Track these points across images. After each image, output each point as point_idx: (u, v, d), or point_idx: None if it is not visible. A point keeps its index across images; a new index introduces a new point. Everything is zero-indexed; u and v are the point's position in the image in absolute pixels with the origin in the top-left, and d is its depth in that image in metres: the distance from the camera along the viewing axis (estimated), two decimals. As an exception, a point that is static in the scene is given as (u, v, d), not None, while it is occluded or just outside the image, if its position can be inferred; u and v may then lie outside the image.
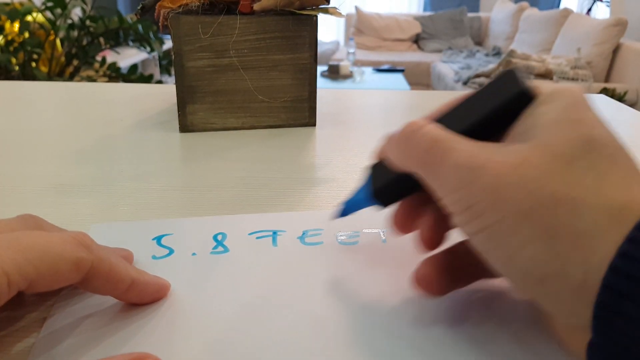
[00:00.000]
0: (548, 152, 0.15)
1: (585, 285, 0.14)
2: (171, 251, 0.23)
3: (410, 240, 0.21)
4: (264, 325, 0.18)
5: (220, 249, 0.23)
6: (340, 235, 0.24)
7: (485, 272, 0.18)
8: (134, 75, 1.31)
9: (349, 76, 2.52)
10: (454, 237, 0.19)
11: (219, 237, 0.24)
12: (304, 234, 0.25)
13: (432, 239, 0.19)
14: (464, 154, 0.16)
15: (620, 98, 2.12)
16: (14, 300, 0.17)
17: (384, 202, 0.20)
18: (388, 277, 0.21)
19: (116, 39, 1.32)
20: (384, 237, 0.24)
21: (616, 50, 2.40)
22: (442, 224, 0.19)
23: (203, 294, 0.20)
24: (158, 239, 0.24)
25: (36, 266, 0.15)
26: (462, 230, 0.16)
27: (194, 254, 0.23)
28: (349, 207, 0.22)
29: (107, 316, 0.19)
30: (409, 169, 0.18)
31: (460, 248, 0.19)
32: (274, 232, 0.25)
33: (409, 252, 0.22)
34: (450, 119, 0.18)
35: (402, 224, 0.20)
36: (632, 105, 2.05)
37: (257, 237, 0.24)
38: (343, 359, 0.17)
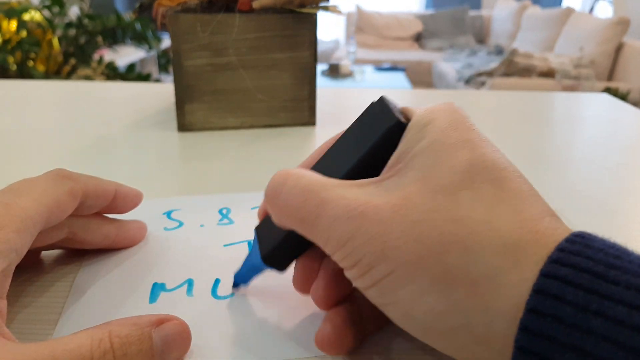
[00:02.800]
0: (428, 186, 0.14)
1: (492, 337, 0.13)
2: (181, 223, 0.25)
3: None
4: (267, 280, 0.20)
5: (225, 221, 0.25)
6: None
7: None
8: (132, 74, 1.31)
9: (349, 75, 2.51)
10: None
11: (224, 212, 0.26)
12: None
13: (329, 298, 0.17)
14: (340, 203, 0.14)
15: (623, 97, 2.11)
16: (38, 267, 0.21)
17: (278, 267, 0.18)
18: None
19: (114, 38, 1.31)
20: None
21: (619, 49, 2.39)
22: (341, 279, 0.16)
23: (213, 257, 0.22)
24: (168, 214, 0.26)
25: (45, 204, 0.18)
26: (356, 285, 0.15)
27: (202, 225, 0.25)
28: (241, 278, 0.20)
29: (131, 276, 0.21)
30: (289, 227, 0.16)
31: (361, 297, 0.17)
32: None
33: None
34: (325, 164, 0.17)
35: (303, 284, 0.18)
36: (635, 104, 2.04)
37: None
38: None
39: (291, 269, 0.18)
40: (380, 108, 0.16)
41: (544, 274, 0.12)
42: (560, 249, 0.13)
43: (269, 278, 0.21)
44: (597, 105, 0.54)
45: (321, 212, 0.15)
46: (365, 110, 0.17)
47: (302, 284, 0.18)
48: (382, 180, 0.15)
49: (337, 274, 0.17)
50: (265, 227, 0.18)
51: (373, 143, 0.16)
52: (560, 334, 0.11)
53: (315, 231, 0.15)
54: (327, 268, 0.17)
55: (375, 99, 0.17)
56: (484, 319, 0.13)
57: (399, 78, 2.65)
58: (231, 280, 0.20)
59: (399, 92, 0.59)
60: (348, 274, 0.15)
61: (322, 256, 0.17)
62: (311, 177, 0.16)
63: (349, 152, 0.16)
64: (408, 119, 0.16)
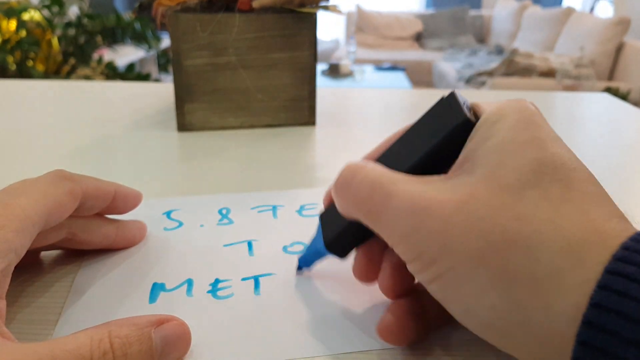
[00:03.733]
0: (494, 184, 0.14)
1: (552, 335, 0.13)
2: (180, 223, 0.25)
3: None
4: (267, 280, 0.21)
5: (225, 221, 0.25)
6: None
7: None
8: (132, 73, 1.31)
9: (349, 75, 2.51)
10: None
11: (224, 212, 0.26)
12: (301, 207, 0.27)
13: (395, 288, 0.17)
14: (406, 197, 0.15)
15: (623, 97, 2.11)
16: (37, 267, 0.21)
17: (339, 254, 0.19)
18: None
19: (113, 37, 1.31)
20: None
21: (619, 48, 2.39)
22: (404, 270, 0.17)
23: (212, 257, 0.22)
24: (168, 214, 0.26)
25: (45, 205, 0.18)
26: (418, 279, 0.15)
27: (201, 225, 0.25)
28: (304, 262, 0.21)
29: (131, 276, 0.21)
30: (354, 217, 0.16)
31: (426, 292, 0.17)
32: (274, 207, 0.27)
33: None
34: (391, 156, 0.17)
35: (364, 274, 0.18)
36: (636, 104, 2.04)
37: (259, 211, 0.26)
38: (332, 314, 0.19)
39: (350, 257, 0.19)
40: (449, 103, 0.16)
41: (609, 271, 0.12)
42: (625, 247, 0.12)
43: (273, 281, 0.21)
44: (597, 105, 0.54)
45: (387, 205, 0.15)
46: (435, 104, 0.17)
47: (361, 272, 0.18)
48: (449, 177, 0.15)
49: (402, 265, 0.17)
50: (329, 215, 0.19)
51: (439, 139, 0.16)
52: (624, 329, 0.11)
53: (379, 223, 0.15)
54: (392, 258, 0.17)
55: (446, 93, 0.17)
56: (545, 318, 0.13)
57: (399, 78, 2.65)
58: (289, 274, 0.21)
59: (399, 91, 0.59)
60: (410, 267, 0.15)
61: (383, 246, 0.18)
62: (379, 171, 0.16)
63: (415, 146, 0.16)
64: (477, 116, 0.16)
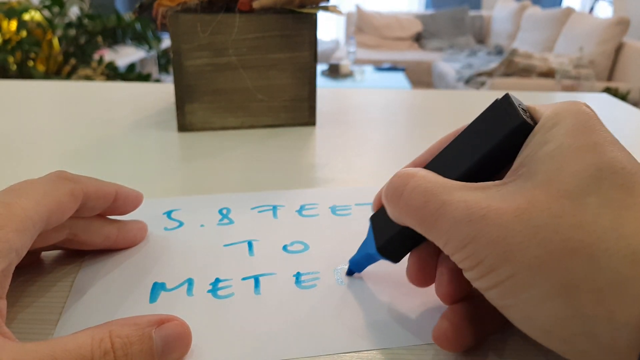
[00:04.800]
0: (553, 190, 0.14)
1: (615, 345, 0.12)
2: (181, 223, 0.25)
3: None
4: (267, 280, 0.21)
5: (225, 221, 0.26)
6: (335, 208, 0.27)
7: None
8: (132, 74, 1.31)
9: (349, 75, 2.51)
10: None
11: (224, 212, 0.26)
12: (301, 207, 0.27)
13: (453, 294, 0.17)
14: (461, 207, 0.14)
15: (623, 97, 2.11)
16: (38, 267, 0.21)
17: (392, 258, 0.19)
18: None
19: (114, 38, 1.31)
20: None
21: (619, 49, 2.39)
22: (461, 276, 0.17)
23: (213, 257, 0.22)
24: (168, 213, 0.26)
25: (45, 205, 0.18)
26: (475, 286, 0.15)
27: (202, 225, 0.25)
28: (355, 266, 0.21)
29: (131, 276, 0.21)
30: (407, 225, 0.16)
31: (481, 297, 0.17)
32: (274, 207, 0.27)
33: None
34: (442, 162, 0.17)
35: (420, 279, 0.18)
36: (635, 104, 2.05)
37: (259, 211, 0.27)
38: (333, 314, 0.19)
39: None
40: (504, 106, 0.16)
41: None
42: None
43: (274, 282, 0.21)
44: (596, 105, 0.54)
45: (441, 215, 0.15)
46: (488, 107, 0.16)
47: (415, 276, 0.18)
48: (505, 183, 0.15)
49: (458, 271, 0.17)
50: (380, 218, 0.19)
51: (495, 143, 0.15)
52: None
53: (434, 232, 0.15)
54: (447, 264, 0.17)
55: (500, 96, 0.16)
56: (608, 327, 0.12)
57: (399, 78, 2.65)
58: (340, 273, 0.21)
59: (398, 92, 0.59)
60: (468, 274, 0.15)
61: (438, 250, 0.18)
62: (432, 179, 0.16)
63: (468, 151, 0.16)
64: (533, 119, 0.16)
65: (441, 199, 0.15)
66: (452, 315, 0.17)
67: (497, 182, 0.15)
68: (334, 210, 0.27)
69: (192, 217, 0.26)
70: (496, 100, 0.16)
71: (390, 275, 0.21)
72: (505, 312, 0.15)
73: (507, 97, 0.16)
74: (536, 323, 0.14)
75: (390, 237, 0.18)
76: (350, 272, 0.21)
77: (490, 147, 0.16)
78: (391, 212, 0.17)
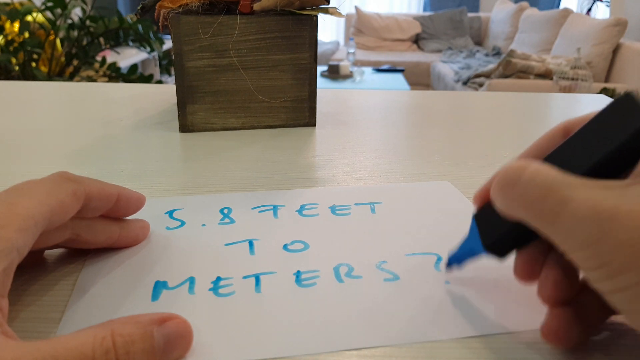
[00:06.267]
0: None
1: None
2: (183, 223, 0.25)
3: (397, 213, 0.24)
4: (266, 279, 0.21)
5: (226, 220, 0.26)
6: (335, 208, 0.27)
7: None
8: (134, 75, 1.31)
9: (348, 76, 2.52)
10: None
11: (225, 211, 0.27)
12: (301, 207, 0.27)
13: (557, 297, 0.17)
14: (585, 204, 0.14)
15: (620, 98, 2.11)
16: (40, 266, 0.21)
17: (500, 255, 0.18)
18: (376, 242, 0.24)
19: (116, 39, 1.31)
20: (373, 209, 0.27)
21: (616, 50, 2.40)
22: (570, 278, 0.16)
23: (214, 256, 0.23)
24: (170, 213, 0.26)
25: (48, 205, 0.18)
26: (595, 286, 0.15)
27: (203, 224, 0.25)
28: (456, 260, 0.20)
29: (133, 275, 0.21)
30: (519, 219, 0.16)
31: (590, 296, 0.16)
32: (275, 207, 0.27)
33: (394, 221, 0.26)
34: (562, 157, 0.16)
35: (526, 274, 0.18)
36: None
37: (260, 211, 0.27)
38: (333, 309, 0.19)
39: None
40: (628, 105, 0.15)
41: None
42: None
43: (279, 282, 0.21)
44: (594, 106, 0.54)
45: (563, 210, 0.14)
46: (609, 106, 0.16)
47: (524, 274, 0.18)
48: (631, 184, 0.14)
49: (566, 273, 0.16)
50: (485, 215, 0.18)
51: (621, 142, 0.15)
52: None
53: (553, 228, 0.15)
54: (555, 266, 0.17)
55: (622, 94, 0.16)
56: None
57: (398, 79, 2.65)
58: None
59: (397, 93, 0.59)
60: (590, 274, 0.14)
61: (546, 249, 0.17)
62: (551, 172, 0.15)
63: (591, 148, 0.15)
64: None
65: (563, 194, 0.14)
66: (560, 312, 0.16)
67: (622, 182, 0.14)
68: (333, 210, 0.27)
69: (193, 217, 0.26)
70: (617, 99, 0.16)
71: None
72: (629, 317, 0.14)
73: (630, 96, 0.15)
74: None
75: (500, 235, 0.17)
76: (449, 266, 0.21)
77: (616, 145, 0.15)
78: (502, 204, 0.16)
